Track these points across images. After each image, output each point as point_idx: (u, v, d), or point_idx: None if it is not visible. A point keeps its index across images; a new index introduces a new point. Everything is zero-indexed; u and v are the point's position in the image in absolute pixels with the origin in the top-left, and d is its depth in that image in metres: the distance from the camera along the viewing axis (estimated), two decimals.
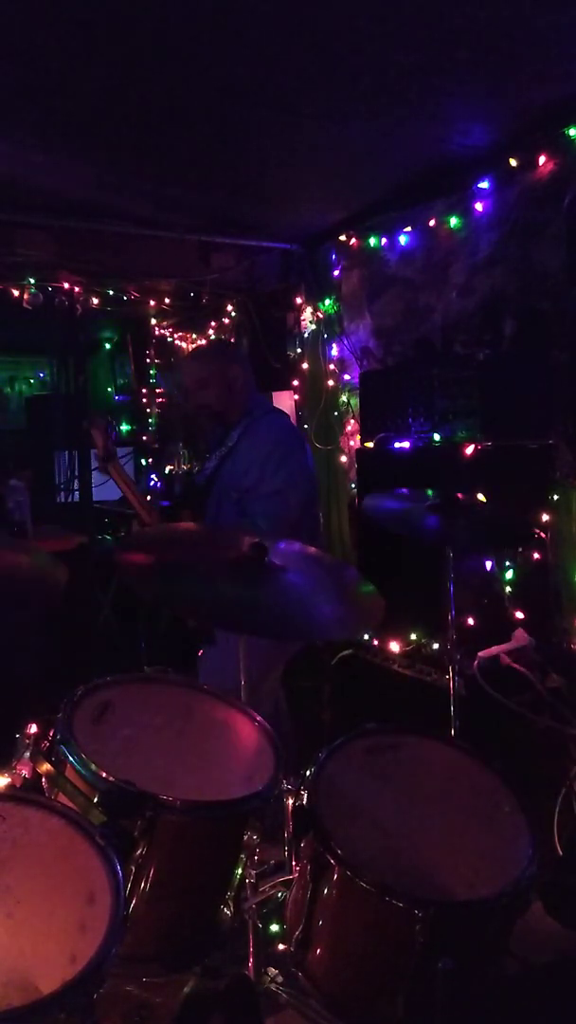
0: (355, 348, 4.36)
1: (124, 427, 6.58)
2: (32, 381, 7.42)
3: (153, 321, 5.92)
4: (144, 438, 6.31)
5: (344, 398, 4.48)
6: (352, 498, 4.26)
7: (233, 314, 5.26)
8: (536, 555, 2.97)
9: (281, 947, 1.66)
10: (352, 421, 4.39)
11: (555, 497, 3.03)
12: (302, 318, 4.66)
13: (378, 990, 1.50)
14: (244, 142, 3.20)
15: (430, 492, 2.40)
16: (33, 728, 1.67)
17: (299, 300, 4.67)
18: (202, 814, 1.60)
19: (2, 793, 1.51)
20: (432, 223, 3.71)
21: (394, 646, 3.15)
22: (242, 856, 1.64)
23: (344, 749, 1.77)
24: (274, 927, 1.70)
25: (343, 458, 4.47)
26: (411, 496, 2.47)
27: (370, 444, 3.55)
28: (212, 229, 4.37)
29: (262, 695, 2.78)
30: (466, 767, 1.82)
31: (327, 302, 4.51)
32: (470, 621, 2.92)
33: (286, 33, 2.36)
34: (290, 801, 1.61)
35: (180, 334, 5.97)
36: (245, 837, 1.62)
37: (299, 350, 4.74)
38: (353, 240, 4.24)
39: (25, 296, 4.30)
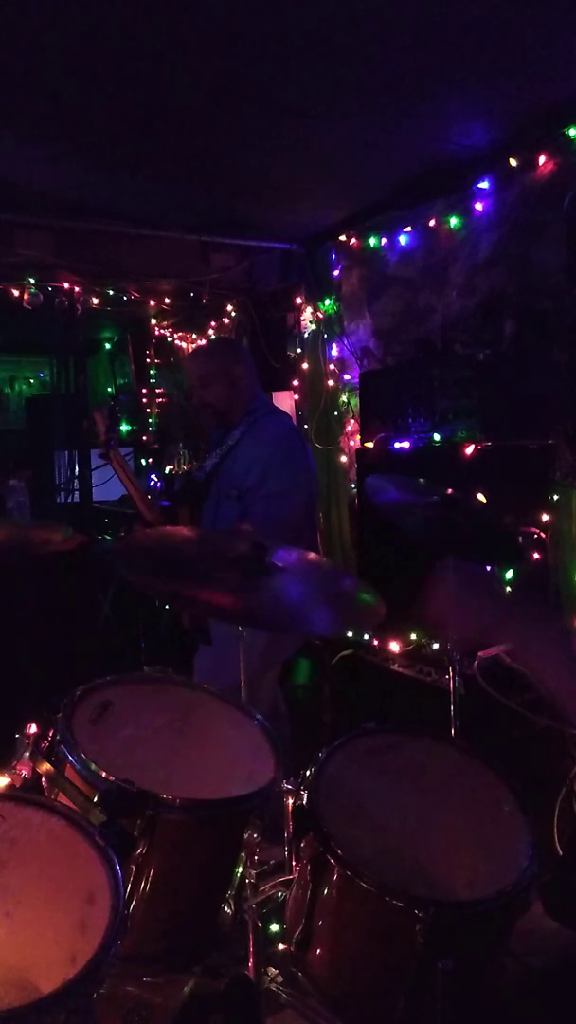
0: (355, 348, 4.36)
1: (124, 427, 6.58)
2: (32, 381, 7.43)
3: (153, 321, 5.92)
4: (144, 438, 6.30)
5: (344, 398, 4.48)
6: (352, 498, 4.26)
7: (233, 314, 5.26)
8: (536, 555, 2.97)
9: (281, 947, 1.66)
10: (352, 421, 4.39)
11: (555, 497, 3.03)
12: (302, 318, 4.66)
13: (378, 990, 1.50)
14: (244, 142, 3.20)
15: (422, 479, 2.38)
16: (33, 728, 1.67)
17: (299, 300, 4.67)
18: (202, 813, 1.60)
19: (2, 793, 1.51)
20: (432, 223, 3.71)
21: (394, 646, 3.15)
22: (242, 855, 1.63)
23: (344, 749, 1.77)
24: (274, 927, 1.70)
25: (343, 458, 4.47)
26: (411, 485, 2.45)
27: (370, 444, 3.55)
28: (212, 229, 4.37)
29: (259, 695, 2.78)
30: (466, 767, 1.81)
31: (327, 302, 4.51)
32: None
33: (286, 33, 2.36)
34: (290, 801, 1.61)
35: (180, 334, 5.97)
36: (245, 836, 1.62)
37: (299, 350, 4.74)
38: (353, 240, 4.24)
39: (25, 296, 4.30)
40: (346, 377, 4.46)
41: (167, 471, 5.94)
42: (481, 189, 3.41)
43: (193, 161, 3.42)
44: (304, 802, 1.60)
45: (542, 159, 3.12)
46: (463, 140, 3.17)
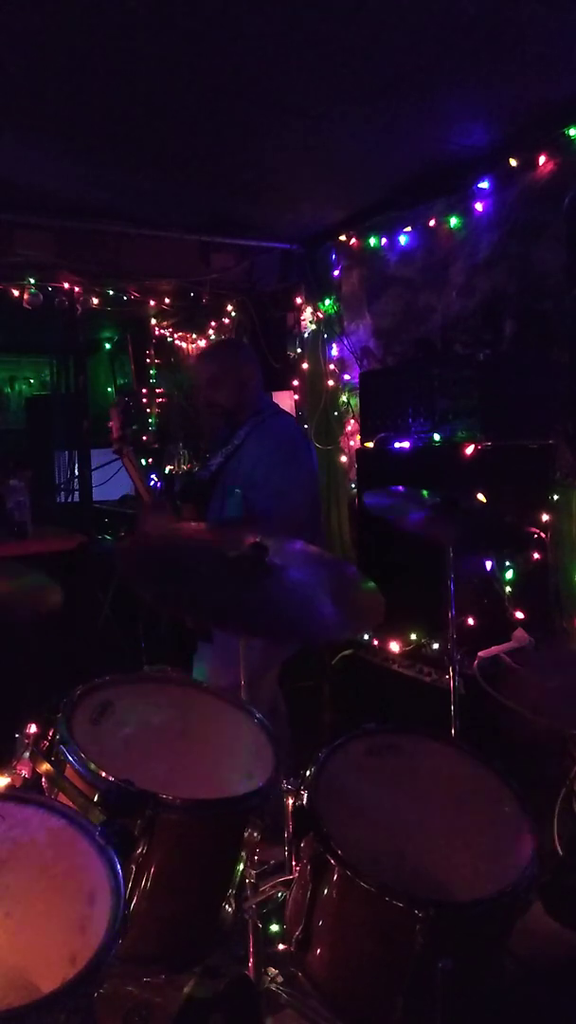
0: (355, 348, 4.36)
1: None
2: (32, 381, 7.41)
3: (153, 321, 5.92)
4: (144, 438, 6.30)
5: (344, 398, 4.48)
6: (352, 498, 4.26)
7: (233, 314, 5.26)
8: (536, 555, 2.97)
9: (281, 947, 1.66)
10: (352, 421, 4.39)
11: (555, 497, 3.03)
12: (302, 318, 4.66)
13: (378, 990, 1.50)
14: (244, 142, 3.20)
15: (425, 493, 2.39)
16: (33, 728, 1.67)
17: (299, 300, 4.67)
18: (202, 812, 1.60)
19: (2, 793, 1.51)
20: (432, 223, 3.71)
21: (394, 646, 3.15)
22: (242, 855, 1.64)
23: (344, 749, 1.77)
24: (274, 927, 1.70)
25: (343, 458, 4.47)
26: (407, 494, 2.46)
27: (370, 444, 3.54)
28: (212, 229, 4.37)
29: (259, 694, 2.78)
30: (466, 767, 1.81)
31: (327, 302, 4.51)
32: (470, 621, 2.92)
33: (286, 33, 2.36)
34: (290, 801, 1.61)
35: (180, 334, 5.97)
36: (246, 835, 1.62)
37: (299, 350, 4.74)
38: (353, 240, 4.24)
39: (25, 296, 4.30)
40: (346, 377, 4.46)
41: (167, 471, 5.93)
42: (481, 189, 3.41)
43: (193, 161, 3.42)
44: (304, 802, 1.60)
45: (542, 159, 3.12)
46: (463, 140, 3.17)
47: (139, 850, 1.50)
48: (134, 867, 1.50)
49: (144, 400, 6.33)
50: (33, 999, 1.12)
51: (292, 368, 4.75)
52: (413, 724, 1.95)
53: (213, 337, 5.51)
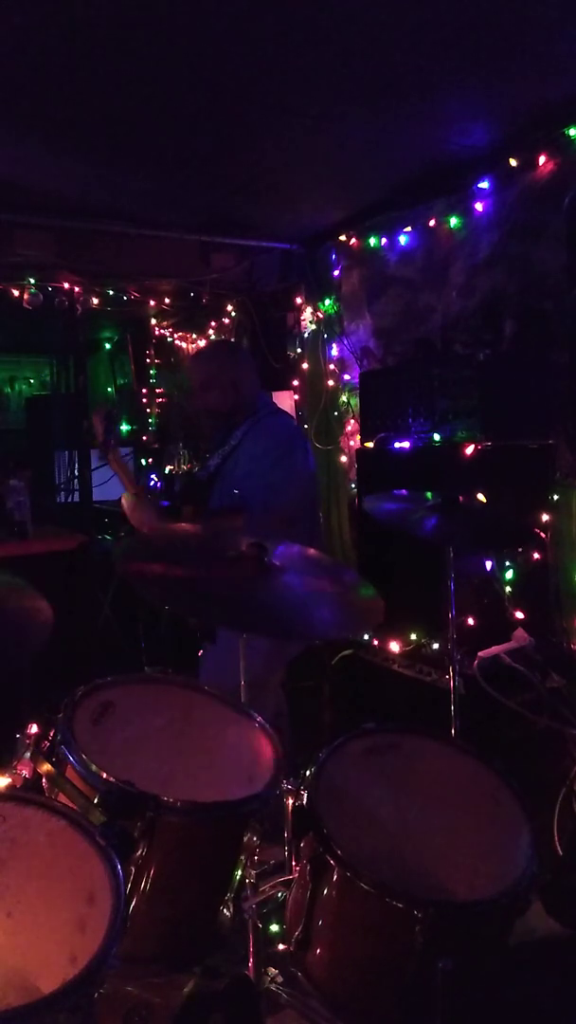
0: (355, 348, 4.36)
1: (125, 427, 6.58)
2: (32, 381, 7.42)
3: (153, 321, 5.92)
4: (144, 438, 6.30)
5: (344, 398, 4.48)
6: (352, 498, 4.26)
7: (233, 314, 5.26)
8: (536, 555, 2.97)
9: (281, 947, 1.66)
10: (352, 421, 4.39)
11: (555, 497, 3.03)
12: (302, 318, 4.66)
13: (378, 990, 1.50)
14: (244, 142, 3.20)
15: (429, 495, 2.39)
16: (33, 728, 1.67)
17: (299, 300, 4.67)
18: (202, 815, 1.60)
19: (2, 793, 1.51)
20: (432, 223, 3.71)
21: (394, 646, 3.15)
22: (242, 857, 1.64)
23: (344, 749, 1.77)
24: (274, 927, 1.70)
25: (343, 458, 4.47)
26: (410, 497, 2.46)
27: (370, 444, 3.55)
28: (212, 229, 4.37)
29: (265, 695, 2.78)
30: (466, 767, 1.82)
31: (327, 302, 4.51)
32: (470, 621, 2.92)
33: (286, 33, 2.36)
34: (290, 801, 1.61)
35: (180, 334, 5.97)
36: (245, 838, 1.62)
37: (299, 350, 4.74)
38: (353, 240, 4.24)
39: (25, 296, 4.30)
40: (346, 377, 4.46)
41: (167, 471, 5.93)
42: (481, 189, 3.41)
43: (193, 161, 3.42)
44: (304, 802, 1.60)
45: (542, 159, 3.12)
46: (463, 140, 3.17)
47: (139, 851, 1.50)
48: (134, 868, 1.50)
49: (144, 400, 6.34)
50: (33, 999, 1.13)
51: (292, 368, 4.75)
52: (413, 724, 1.95)
53: (213, 337, 5.52)
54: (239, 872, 1.64)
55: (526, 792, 1.71)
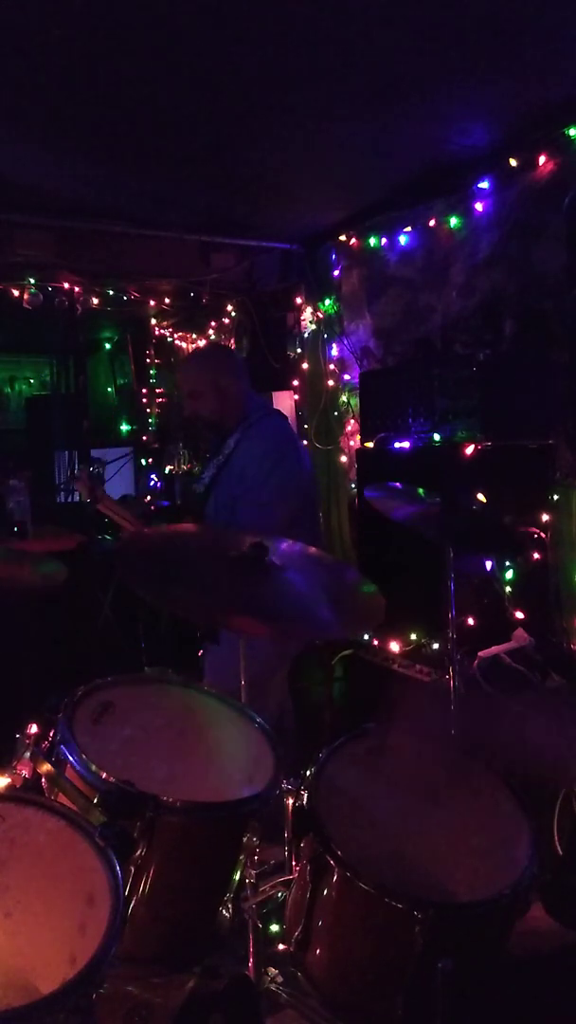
0: (355, 348, 4.36)
1: (124, 427, 6.58)
2: (32, 381, 7.41)
3: (153, 321, 5.92)
4: (144, 438, 6.31)
5: (344, 398, 4.48)
6: (352, 498, 4.26)
7: (233, 314, 5.26)
8: (536, 555, 2.97)
9: (281, 947, 1.66)
10: (352, 421, 4.39)
11: (555, 497, 3.03)
12: (302, 318, 4.66)
13: (378, 990, 1.50)
14: (244, 142, 3.20)
15: (421, 491, 2.38)
16: (33, 728, 1.67)
17: (299, 300, 4.67)
18: (202, 815, 1.60)
19: (2, 793, 1.51)
20: (432, 223, 3.71)
21: (394, 646, 3.15)
22: (242, 857, 1.63)
23: (344, 749, 1.77)
24: (274, 927, 1.70)
25: (343, 458, 4.47)
26: (405, 491, 2.45)
27: (370, 444, 3.54)
28: (212, 229, 4.37)
29: (266, 695, 2.78)
30: (466, 767, 1.81)
31: (327, 302, 4.51)
32: (470, 621, 2.92)
33: (286, 33, 2.35)
34: (290, 801, 1.61)
35: (180, 334, 5.97)
36: (245, 839, 1.62)
37: (299, 350, 4.73)
38: (353, 240, 4.24)
39: (25, 296, 4.30)
40: (346, 377, 4.46)
41: (167, 471, 5.94)
42: (481, 189, 3.41)
43: (193, 161, 3.42)
44: (304, 802, 1.60)
45: (542, 159, 3.12)
46: (463, 140, 3.17)
47: (139, 851, 1.50)
48: (133, 869, 1.50)
49: (144, 400, 6.34)
50: (33, 999, 1.13)
51: (292, 368, 4.75)
52: (413, 724, 1.94)
53: (213, 337, 5.52)
54: (239, 872, 1.64)
55: (526, 792, 1.71)
